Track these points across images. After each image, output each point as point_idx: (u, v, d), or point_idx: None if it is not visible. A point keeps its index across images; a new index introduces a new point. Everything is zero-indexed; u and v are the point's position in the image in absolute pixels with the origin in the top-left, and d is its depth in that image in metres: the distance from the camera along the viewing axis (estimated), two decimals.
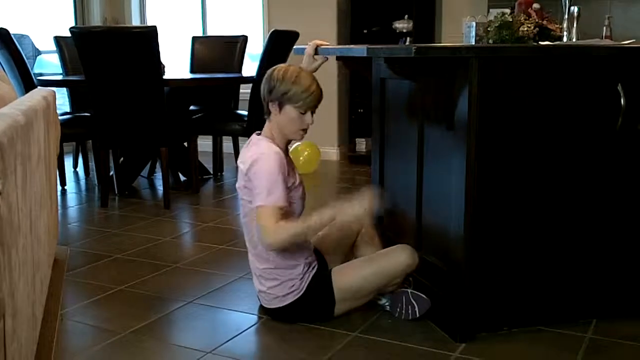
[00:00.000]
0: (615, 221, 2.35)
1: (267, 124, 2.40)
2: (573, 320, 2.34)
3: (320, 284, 2.36)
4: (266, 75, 2.37)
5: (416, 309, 2.36)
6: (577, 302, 2.36)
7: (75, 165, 5.44)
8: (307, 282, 2.36)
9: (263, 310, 2.46)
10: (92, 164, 5.19)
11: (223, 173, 5.22)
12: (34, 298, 1.96)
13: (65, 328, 2.38)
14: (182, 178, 4.82)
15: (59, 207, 4.05)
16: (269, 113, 2.37)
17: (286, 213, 2.29)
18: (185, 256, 3.19)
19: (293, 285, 2.35)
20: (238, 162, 2.40)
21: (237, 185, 2.41)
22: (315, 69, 2.53)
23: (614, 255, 2.37)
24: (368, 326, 2.36)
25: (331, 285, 2.35)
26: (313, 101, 2.32)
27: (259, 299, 2.48)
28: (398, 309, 2.40)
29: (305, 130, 2.38)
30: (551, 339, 2.24)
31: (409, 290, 2.40)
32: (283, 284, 2.35)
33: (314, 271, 2.39)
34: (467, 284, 2.21)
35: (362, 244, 2.61)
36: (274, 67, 2.38)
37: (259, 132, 2.43)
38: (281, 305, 2.37)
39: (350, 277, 2.37)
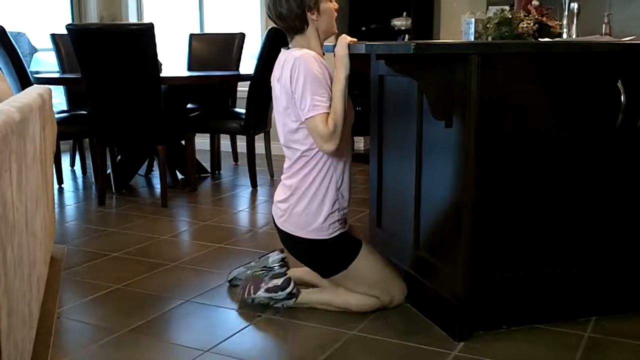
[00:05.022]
0: (615, 218, 2.34)
1: (295, 44, 2.36)
2: (572, 318, 2.33)
3: (348, 242, 2.41)
4: None
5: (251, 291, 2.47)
6: (576, 300, 2.35)
7: (72, 164, 5.42)
8: (336, 231, 2.38)
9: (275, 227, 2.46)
10: (89, 162, 5.17)
11: (221, 171, 5.20)
12: (30, 296, 1.95)
13: (63, 326, 2.36)
14: (180, 176, 4.80)
15: (56, 206, 4.03)
16: (304, 27, 2.33)
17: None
18: (183, 255, 3.18)
19: (322, 221, 2.35)
20: (277, 82, 2.35)
21: (277, 107, 2.37)
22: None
23: (614, 252, 2.36)
24: (366, 324, 2.35)
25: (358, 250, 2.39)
26: None
27: (272, 217, 2.48)
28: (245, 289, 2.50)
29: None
30: (550, 337, 2.23)
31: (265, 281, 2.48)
32: (310, 205, 2.34)
33: (344, 229, 2.42)
34: (466, 282, 2.20)
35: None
36: None
37: (286, 47, 2.39)
38: (301, 236, 2.36)
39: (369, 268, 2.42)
